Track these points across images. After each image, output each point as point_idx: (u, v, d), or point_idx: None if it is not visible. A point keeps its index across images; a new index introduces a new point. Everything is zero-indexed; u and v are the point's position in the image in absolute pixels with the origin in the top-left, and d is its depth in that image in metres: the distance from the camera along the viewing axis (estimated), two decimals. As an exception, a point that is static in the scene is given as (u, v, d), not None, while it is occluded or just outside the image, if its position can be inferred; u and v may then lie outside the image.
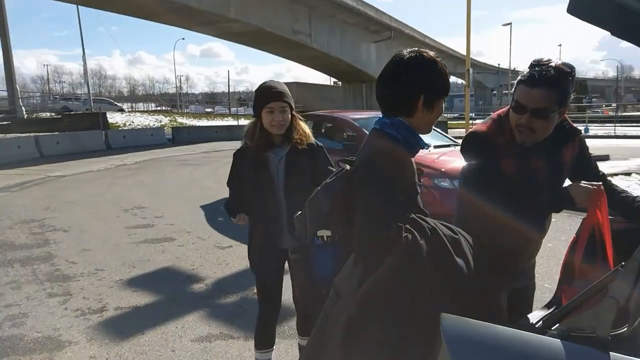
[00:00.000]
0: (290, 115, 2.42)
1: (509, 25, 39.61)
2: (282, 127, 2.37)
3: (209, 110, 67.70)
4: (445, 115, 44.43)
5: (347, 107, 42.83)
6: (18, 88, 30.55)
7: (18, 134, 21.49)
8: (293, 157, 2.43)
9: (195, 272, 4.84)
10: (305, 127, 2.50)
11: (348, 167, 1.61)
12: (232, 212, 2.53)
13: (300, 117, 2.51)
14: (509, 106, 1.85)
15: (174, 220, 7.12)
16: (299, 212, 1.70)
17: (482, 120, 2.12)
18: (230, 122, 36.82)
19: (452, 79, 68.18)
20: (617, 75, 76.82)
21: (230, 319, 3.76)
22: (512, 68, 50.20)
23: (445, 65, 1.56)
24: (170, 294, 4.32)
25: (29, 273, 4.94)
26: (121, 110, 44.96)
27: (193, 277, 4.71)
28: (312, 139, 2.52)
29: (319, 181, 1.74)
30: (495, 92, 55.28)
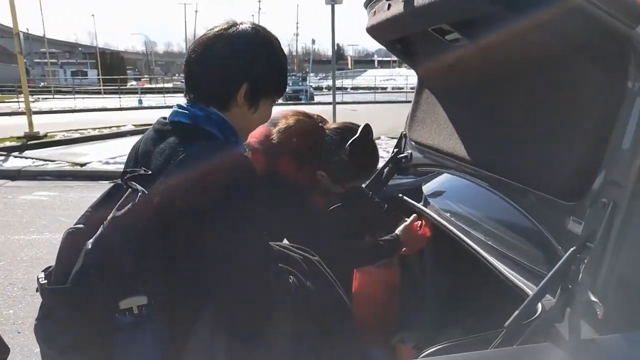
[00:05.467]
0: None
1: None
2: None
3: None
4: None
5: None
6: None
7: None
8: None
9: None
10: None
11: (139, 187, 0.99)
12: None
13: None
14: None
15: None
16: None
17: None
18: None
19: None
20: (147, 50, 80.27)
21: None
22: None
23: (283, 51, 1.19)
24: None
25: None
26: None
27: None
28: None
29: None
30: (25, 60, 39.23)
